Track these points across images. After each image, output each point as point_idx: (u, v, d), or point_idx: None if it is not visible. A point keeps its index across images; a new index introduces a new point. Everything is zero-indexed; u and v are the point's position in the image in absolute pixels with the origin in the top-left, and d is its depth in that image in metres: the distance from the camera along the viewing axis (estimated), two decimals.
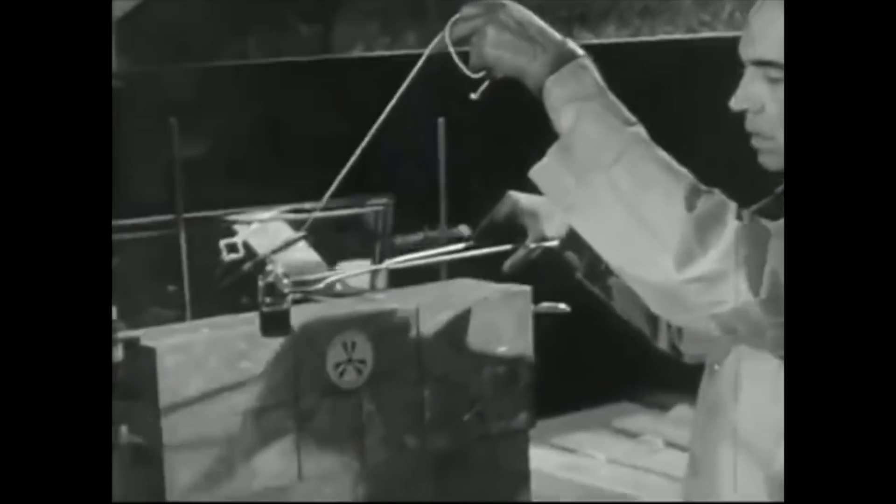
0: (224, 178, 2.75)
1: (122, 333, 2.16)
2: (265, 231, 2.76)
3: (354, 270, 2.55)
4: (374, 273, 2.60)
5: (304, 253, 2.79)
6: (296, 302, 2.22)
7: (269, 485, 2.34)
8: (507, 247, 2.20)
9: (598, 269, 2.16)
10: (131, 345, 2.20)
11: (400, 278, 2.55)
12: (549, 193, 1.81)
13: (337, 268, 2.80)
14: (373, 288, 2.60)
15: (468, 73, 1.88)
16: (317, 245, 2.82)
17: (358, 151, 2.03)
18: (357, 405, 2.39)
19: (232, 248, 2.62)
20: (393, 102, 1.97)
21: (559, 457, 3.20)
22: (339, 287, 2.40)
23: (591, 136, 1.75)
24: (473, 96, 1.90)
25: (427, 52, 1.91)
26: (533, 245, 2.17)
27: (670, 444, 3.09)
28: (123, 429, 2.16)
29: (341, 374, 2.35)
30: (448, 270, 2.63)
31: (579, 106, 1.78)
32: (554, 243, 2.17)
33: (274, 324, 2.16)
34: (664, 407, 3.48)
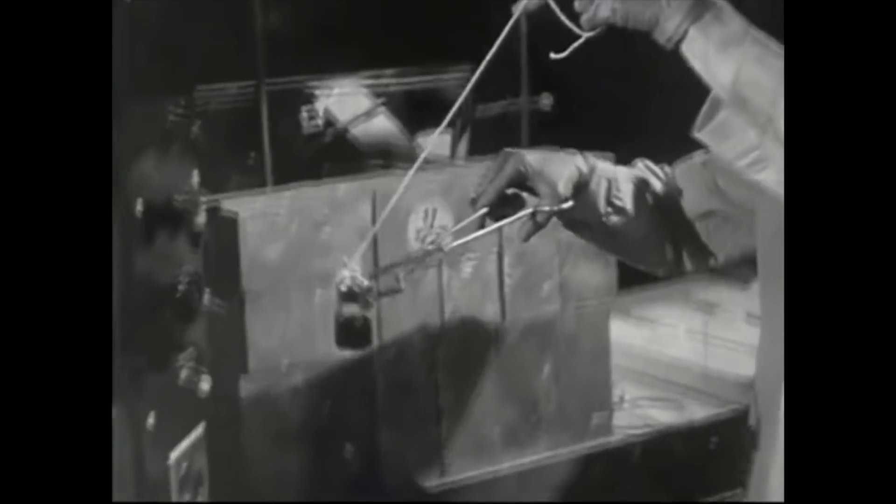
0: (306, 46, 2.73)
1: (205, 199, 2.17)
2: (346, 100, 2.75)
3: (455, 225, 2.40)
4: (454, 141, 2.58)
5: (383, 122, 2.78)
6: (380, 168, 2.15)
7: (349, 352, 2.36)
8: (528, 212, 1.89)
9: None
10: (213, 211, 2.21)
11: (480, 147, 2.54)
12: (728, 151, 1.72)
13: (417, 138, 2.79)
14: (453, 156, 2.59)
15: (576, 29, 1.73)
16: (397, 114, 2.81)
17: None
18: (437, 273, 2.39)
19: (312, 115, 2.62)
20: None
21: (638, 329, 3.19)
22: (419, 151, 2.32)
23: (762, 81, 1.66)
24: (556, 56, 1.81)
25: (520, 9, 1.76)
26: (548, 209, 1.89)
27: (750, 316, 3.08)
28: (205, 297, 2.17)
29: (422, 241, 2.34)
30: (529, 137, 2.62)
31: (736, 53, 1.67)
32: (570, 204, 1.92)
33: (352, 335, 1.83)
34: (745, 280, 3.45)
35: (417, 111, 2.84)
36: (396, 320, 2.40)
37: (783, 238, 1.59)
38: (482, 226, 1.88)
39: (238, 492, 2.24)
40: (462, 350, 2.47)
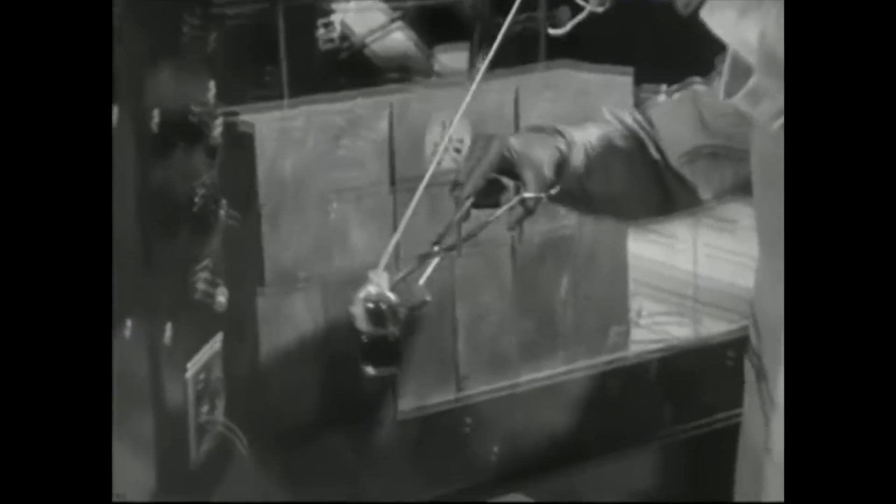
0: None
1: (222, 113, 2.16)
2: (362, 15, 2.74)
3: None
4: (471, 55, 2.57)
5: (400, 36, 2.76)
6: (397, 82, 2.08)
7: (368, 265, 2.35)
8: (517, 199, 1.79)
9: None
10: (230, 125, 2.20)
11: (499, 62, 2.51)
12: (763, 114, 1.69)
13: (434, 52, 2.77)
14: (472, 69, 2.57)
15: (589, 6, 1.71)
16: (414, 29, 2.80)
17: None
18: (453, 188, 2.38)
19: (329, 29, 2.60)
20: None
21: (656, 244, 3.19)
22: (437, 69, 2.28)
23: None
24: (555, 32, 1.78)
25: None
26: (536, 195, 1.81)
27: None
28: (222, 210, 2.17)
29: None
30: (547, 53, 2.60)
31: (756, 16, 1.62)
32: (556, 189, 1.86)
33: (383, 354, 1.70)
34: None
35: (434, 26, 2.82)
36: (412, 236, 2.39)
37: (778, 163, 1.58)
38: (467, 215, 1.81)
39: (255, 406, 2.25)
40: (478, 266, 2.47)
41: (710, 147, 1.99)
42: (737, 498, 2.02)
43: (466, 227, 1.81)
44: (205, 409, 2.09)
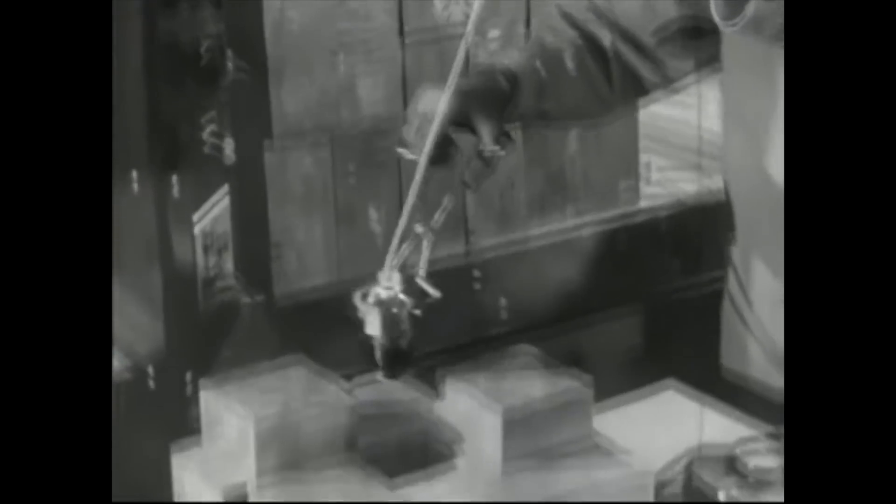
0: None
1: None
2: None
3: None
4: None
5: None
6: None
7: (376, 117, 2.34)
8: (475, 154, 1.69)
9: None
10: None
11: None
12: (765, 39, 1.64)
13: None
14: None
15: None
16: None
17: None
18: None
19: None
20: None
21: (668, 100, 3.16)
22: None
23: None
24: None
25: None
26: (492, 147, 1.70)
27: None
28: (229, 62, 2.15)
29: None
30: None
31: None
32: (512, 142, 1.75)
33: (397, 360, 1.60)
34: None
35: None
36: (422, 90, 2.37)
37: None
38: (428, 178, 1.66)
39: (261, 258, 2.25)
40: None
41: (686, 19, 1.94)
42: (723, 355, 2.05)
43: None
44: (212, 262, 2.08)
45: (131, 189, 1.96)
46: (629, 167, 2.67)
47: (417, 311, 1.59)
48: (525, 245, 2.51)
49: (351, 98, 2.32)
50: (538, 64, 1.87)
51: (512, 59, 1.87)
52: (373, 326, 1.58)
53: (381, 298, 1.58)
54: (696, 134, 2.98)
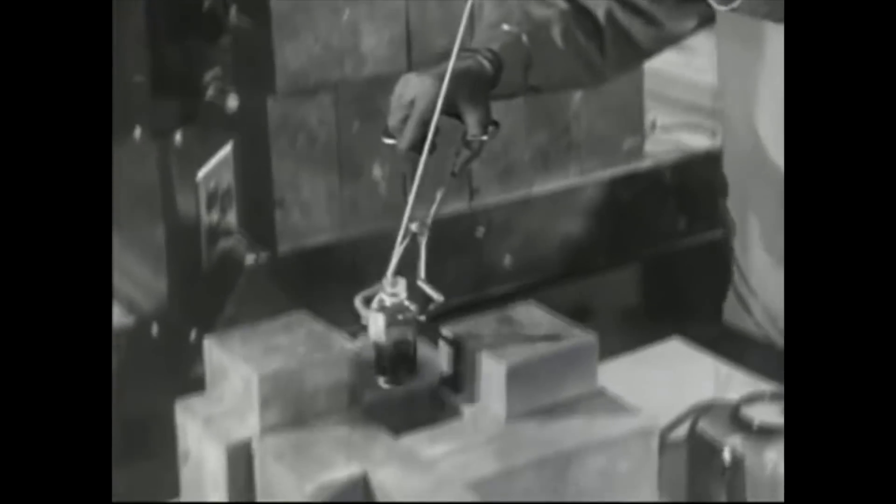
0: None
1: None
2: None
3: None
4: None
5: None
6: None
7: (379, 71, 2.33)
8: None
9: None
10: None
11: None
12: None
13: None
14: None
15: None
16: None
17: None
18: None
19: None
20: None
21: (674, 55, 3.15)
22: None
23: None
24: None
25: None
26: (479, 137, 1.69)
27: None
28: (232, 14, 2.14)
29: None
30: None
31: None
32: (497, 128, 1.73)
33: (402, 367, 1.58)
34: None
35: None
36: (427, 40, 2.36)
37: None
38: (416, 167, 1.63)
39: (265, 214, 2.25)
40: None
41: None
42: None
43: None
44: (216, 216, 2.08)
45: (135, 145, 1.96)
46: (634, 125, 2.66)
47: (422, 318, 1.57)
48: (529, 202, 2.51)
49: (355, 53, 2.31)
50: (524, 39, 1.84)
51: (497, 36, 1.83)
52: (377, 333, 1.56)
53: (385, 305, 1.56)
54: (700, 91, 2.97)
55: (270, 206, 2.26)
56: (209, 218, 2.06)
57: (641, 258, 2.62)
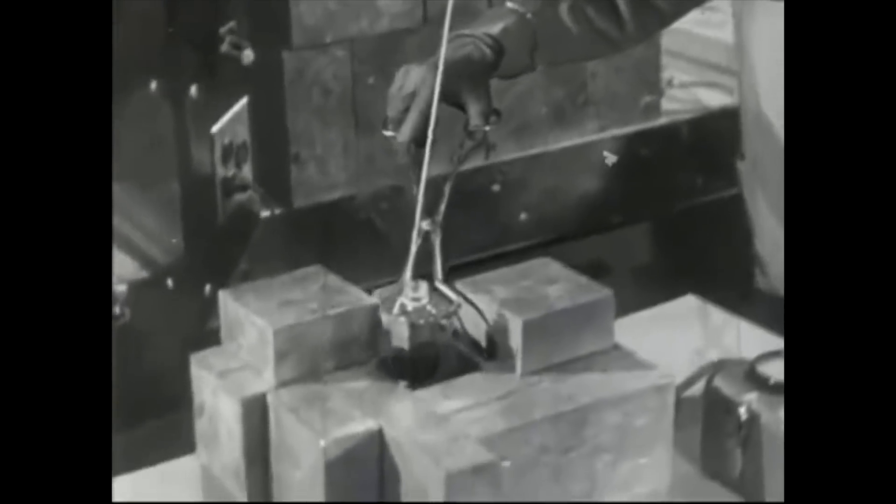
0: None
1: None
2: None
3: None
4: None
5: None
6: None
7: (395, 26, 2.32)
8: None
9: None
10: None
11: None
12: None
13: None
14: None
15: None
16: None
17: None
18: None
19: None
20: None
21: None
22: None
23: None
24: None
25: None
26: (481, 126, 1.67)
27: None
28: None
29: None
30: None
31: None
32: (499, 118, 1.70)
33: (423, 368, 1.56)
34: None
35: None
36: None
37: None
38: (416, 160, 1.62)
39: (281, 165, 2.24)
40: None
41: None
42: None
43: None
44: (231, 170, 2.07)
45: (150, 99, 1.95)
46: (651, 82, 2.65)
47: (444, 322, 1.56)
48: (545, 158, 2.50)
49: (371, 7, 2.30)
50: (530, 17, 1.79)
51: (501, 15, 1.79)
52: (400, 338, 1.55)
53: (407, 310, 1.55)
54: (718, 49, 2.96)
55: (286, 161, 2.26)
56: (224, 172, 2.05)
57: (657, 215, 2.61)
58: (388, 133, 1.67)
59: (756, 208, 2.02)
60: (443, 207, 1.63)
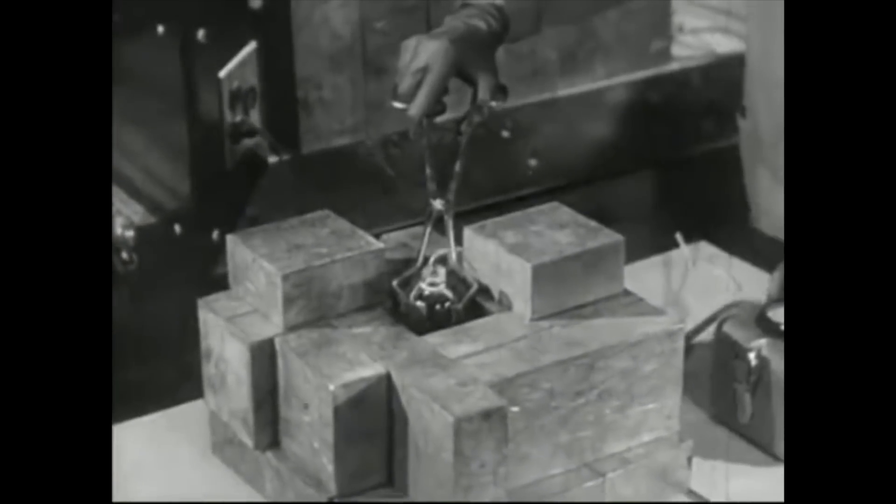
0: None
1: None
2: None
3: None
4: None
5: None
6: None
7: None
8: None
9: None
10: None
11: None
12: None
13: None
14: None
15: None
16: None
17: None
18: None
19: None
20: None
21: None
22: None
23: None
24: None
25: None
26: (489, 101, 1.68)
27: None
28: None
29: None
30: None
31: None
32: (506, 96, 1.72)
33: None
34: None
35: None
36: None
37: None
38: (425, 134, 1.65)
39: (289, 110, 2.23)
40: None
41: None
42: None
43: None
44: (239, 115, 2.06)
45: (158, 42, 1.94)
46: (661, 27, 2.63)
47: (460, 307, 1.57)
48: (555, 103, 2.49)
49: None
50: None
51: None
52: (419, 323, 1.56)
53: (425, 294, 1.57)
54: None
55: (294, 106, 2.24)
56: (232, 117, 2.04)
57: (667, 161, 2.60)
58: (399, 105, 1.66)
59: (752, 160, 2.01)
60: (454, 186, 1.64)
